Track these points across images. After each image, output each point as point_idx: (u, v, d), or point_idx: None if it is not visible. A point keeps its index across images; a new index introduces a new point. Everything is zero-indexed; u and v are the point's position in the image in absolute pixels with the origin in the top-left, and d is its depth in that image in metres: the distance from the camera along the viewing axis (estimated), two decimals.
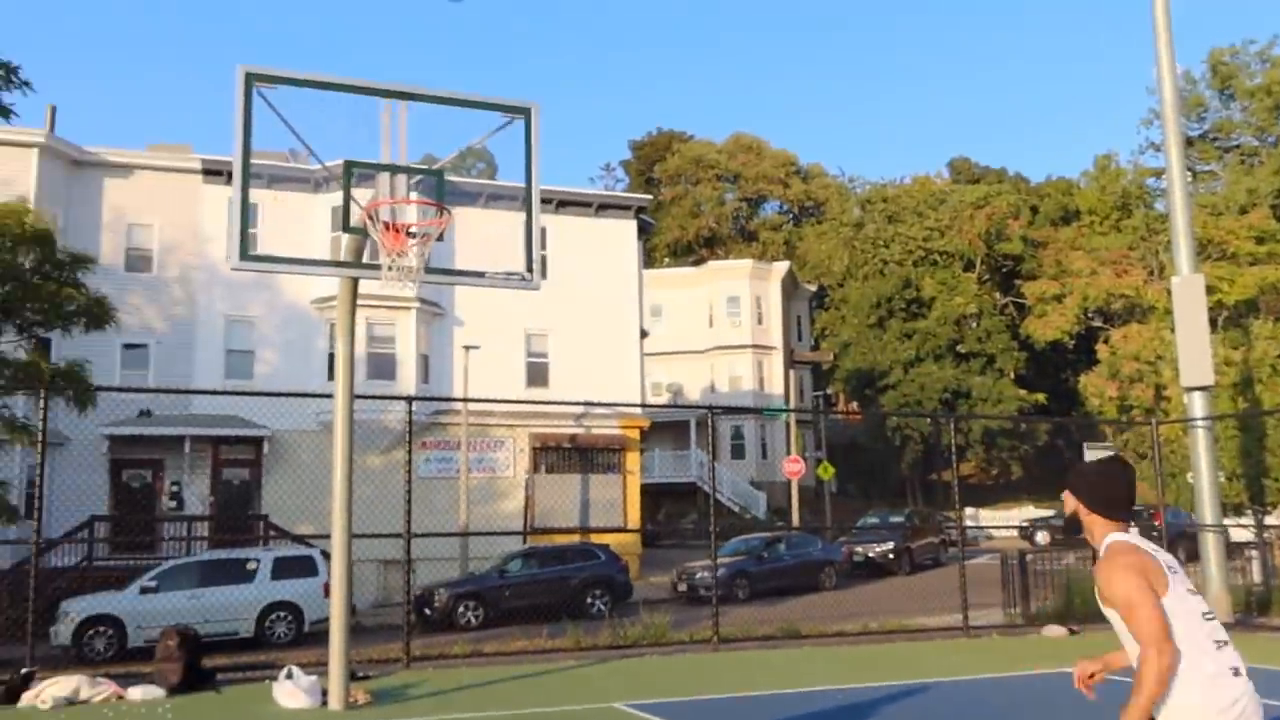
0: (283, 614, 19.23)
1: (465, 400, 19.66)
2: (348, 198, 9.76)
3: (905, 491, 56.42)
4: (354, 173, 9.81)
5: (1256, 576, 18.50)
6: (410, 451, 12.99)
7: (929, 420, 51.36)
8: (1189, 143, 45.18)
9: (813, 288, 60.92)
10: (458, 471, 28.03)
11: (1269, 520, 27.15)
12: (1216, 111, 52.07)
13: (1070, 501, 3.85)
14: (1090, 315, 51.97)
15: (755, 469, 47.51)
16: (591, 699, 10.04)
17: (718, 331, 50.30)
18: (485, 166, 69.45)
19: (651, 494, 37.74)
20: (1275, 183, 46.05)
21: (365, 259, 10.22)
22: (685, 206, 71.00)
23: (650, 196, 43.47)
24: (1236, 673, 3.43)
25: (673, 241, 69.79)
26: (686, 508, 42.65)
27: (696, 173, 71.61)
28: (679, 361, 50.07)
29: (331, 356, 23.36)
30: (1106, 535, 3.73)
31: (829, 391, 63.86)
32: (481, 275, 10.61)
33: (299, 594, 19.33)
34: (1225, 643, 3.49)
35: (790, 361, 52.11)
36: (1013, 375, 57.47)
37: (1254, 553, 19.64)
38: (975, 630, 15.07)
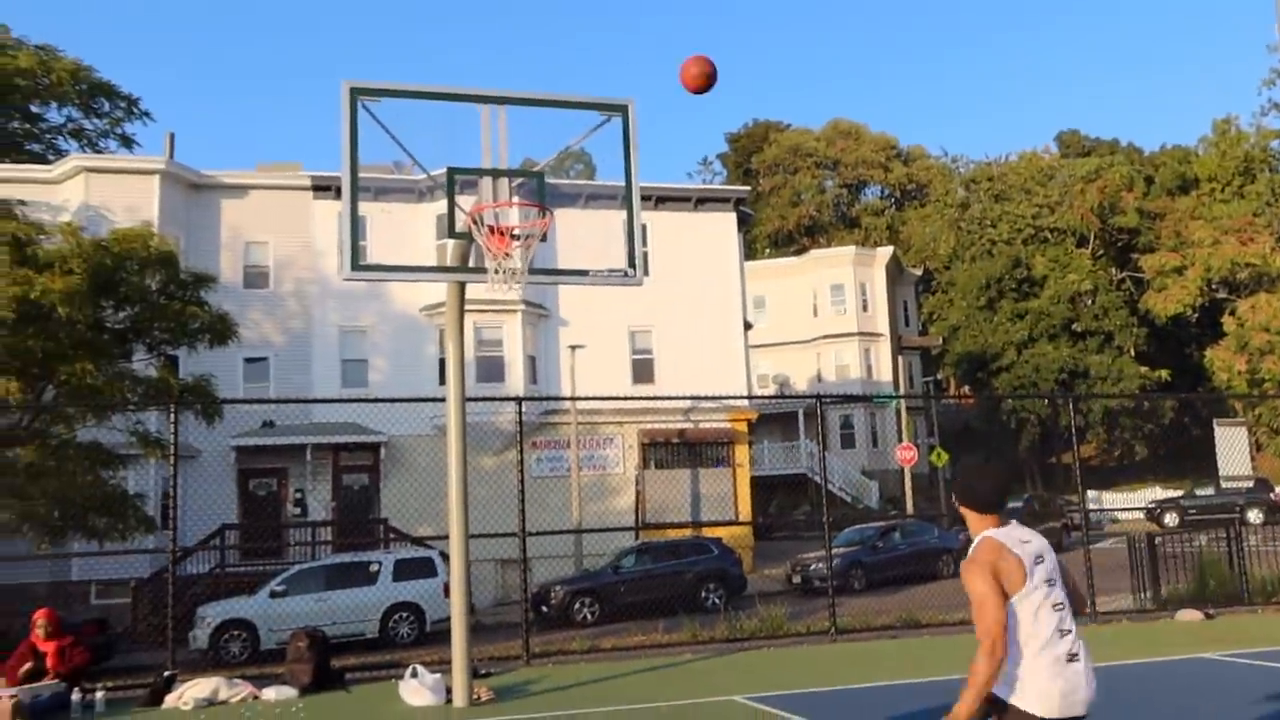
0: (405, 614, 19.73)
1: (574, 399, 19.86)
2: (452, 204, 9.93)
3: (1023, 475, 54.94)
4: (457, 179, 9.99)
5: None
6: (522, 451, 13.18)
7: (1046, 402, 49.85)
8: None
9: (918, 272, 59.74)
10: (568, 470, 28.34)
11: None
12: None
13: (955, 498, 4.28)
14: (1214, 286, 49.88)
15: (866, 458, 46.86)
16: (711, 692, 10.04)
17: (822, 320, 49.75)
18: (584, 167, 70.01)
19: (762, 486, 37.51)
20: None
21: (471, 263, 10.39)
22: (784, 196, 70.34)
23: (749, 188, 43.23)
24: (1073, 658, 3.96)
25: (773, 232, 69.22)
26: (798, 499, 42.29)
27: (795, 162, 70.88)
28: (784, 352, 49.69)
29: (442, 362, 23.80)
30: (979, 530, 4.17)
31: (939, 376, 62.57)
32: (585, 274, 10.68)
33: (420, 595, 19.79)
34: (1069, 631, 4.00)
35: (898, 347, 51.25)
36: (1133, 352, 55.41)
37: None
38: (1104, 616, 14.61)
